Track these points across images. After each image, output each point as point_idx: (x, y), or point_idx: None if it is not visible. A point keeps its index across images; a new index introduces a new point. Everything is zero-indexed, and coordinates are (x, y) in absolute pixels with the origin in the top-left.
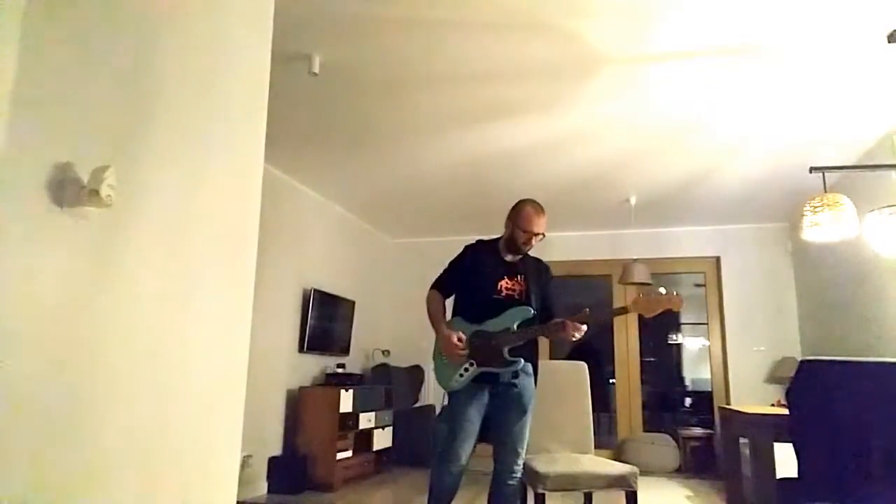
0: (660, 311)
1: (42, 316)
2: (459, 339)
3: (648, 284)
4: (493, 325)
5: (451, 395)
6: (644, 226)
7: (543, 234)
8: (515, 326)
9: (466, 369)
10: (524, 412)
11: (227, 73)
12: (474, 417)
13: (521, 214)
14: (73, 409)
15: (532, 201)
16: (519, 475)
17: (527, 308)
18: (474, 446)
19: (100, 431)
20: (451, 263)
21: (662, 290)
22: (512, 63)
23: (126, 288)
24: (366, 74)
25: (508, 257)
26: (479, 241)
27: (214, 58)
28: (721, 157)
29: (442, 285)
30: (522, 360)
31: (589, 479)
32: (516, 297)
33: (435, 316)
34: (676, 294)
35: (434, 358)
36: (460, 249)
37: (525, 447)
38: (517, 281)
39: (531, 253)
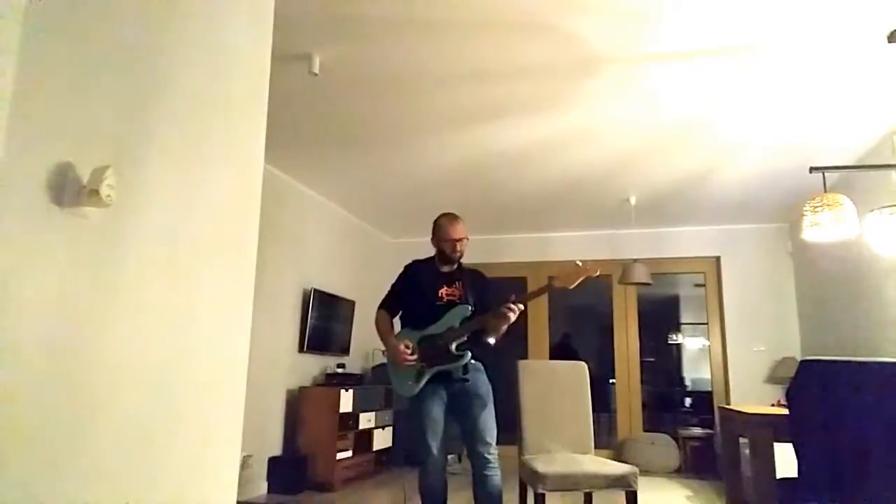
0: (578, 280)
1: (42, 316)
2: (406, 346)
3: (648, 284)
4: (437, 327)
5: (410, 399)
6: (644, 226)
7: (466, 238)
8: (458, 324)
9: (420, 372)
10: (484, 403)
11: (227, 73)
12: (436, 412)
13: (438, 229)
14: (73, 409)
15: (444, 214)
16: (496, 465)
17: (465, 306)
18: (445, 441)
19: (100, 431)
20: (394, 284)
21: (579, 262)
22: (512, 63)
23: (126, 288)
24: (366, 74)
25: (445, 269)
26: (416, 261)
27: (214, 58)
28: (721, 157)
29: (388, 305)
30: (469, 354)
31: (589, 479)
32: (457, 300)
33: (384, 332)
34: (592, 263)
35: (389, 371)
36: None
37: (495, 437)
38: (456, 287)
39: (465, 262)
